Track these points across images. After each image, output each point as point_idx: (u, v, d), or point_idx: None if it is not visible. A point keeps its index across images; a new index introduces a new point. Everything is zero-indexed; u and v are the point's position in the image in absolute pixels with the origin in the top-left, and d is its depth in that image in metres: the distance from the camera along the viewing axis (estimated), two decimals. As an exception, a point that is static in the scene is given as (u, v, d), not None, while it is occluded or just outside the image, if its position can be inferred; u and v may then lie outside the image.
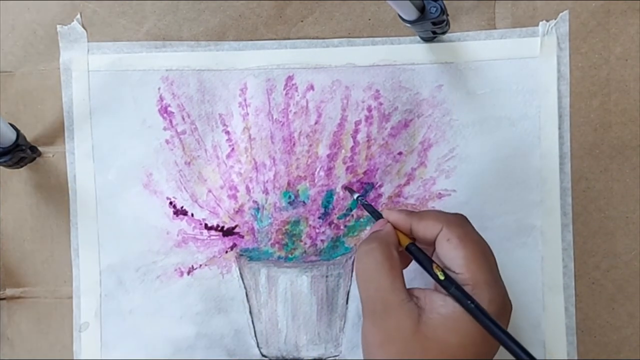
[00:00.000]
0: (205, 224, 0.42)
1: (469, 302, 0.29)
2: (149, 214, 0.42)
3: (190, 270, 0.42)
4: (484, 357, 0.30)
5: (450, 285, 0.30)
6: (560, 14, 0.40)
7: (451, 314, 0.30)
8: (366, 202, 0.38)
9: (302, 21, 0.41)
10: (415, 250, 0.33)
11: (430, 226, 0.32)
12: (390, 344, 0.30)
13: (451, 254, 0.31)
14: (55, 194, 0.42)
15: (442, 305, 0.30)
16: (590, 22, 0.40)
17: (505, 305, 0.31)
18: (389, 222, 0.34)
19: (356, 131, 0.41)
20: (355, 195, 0.39)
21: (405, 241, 0.33)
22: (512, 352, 0.28)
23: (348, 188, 0.41)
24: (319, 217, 0.41)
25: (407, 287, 0.31)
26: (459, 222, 0.32)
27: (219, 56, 0.41)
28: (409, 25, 0.37)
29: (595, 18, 0.40)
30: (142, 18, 0.42)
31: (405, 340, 0.30)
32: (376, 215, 0.36)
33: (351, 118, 0.41)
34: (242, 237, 0.42)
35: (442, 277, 0.31)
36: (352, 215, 0.41)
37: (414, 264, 0.34)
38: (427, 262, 0.32)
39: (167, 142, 0.42)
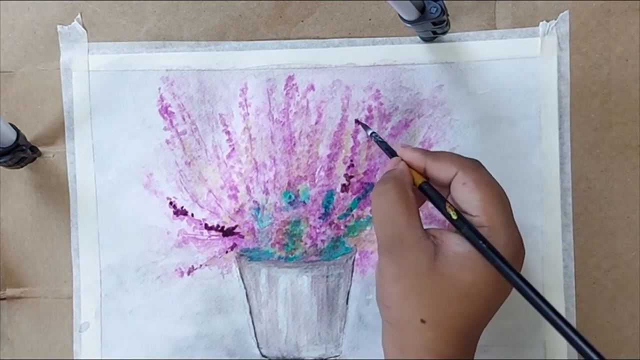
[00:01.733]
0: (206, 224, 0.42)
1: (481, 242, 0.29)
2: (149, 214, 0.42)
3: (190, 271, 0.42)
4: (496, 298, 0.31)
5: (462, 225, 0.30)
6: (561, 14, 0.40)
7: (467, 252, 0.30)
8: (380, 139, 0.38)
9: (302, 21, 0.41)
10: (428, 190, 0.33)
11: (445, 168, 0.32)
12: (405, 278, 0.30)
13: (467, 196, 0.31)
14: (56, 194, 0.42)
15: (459, 244, 0.30)
16: (591, 22, 0.40)
17: (520, 249, 0.31)
18: (403, 160, 0.34)
19: (356, 131, 0.41)
20: (369, 132, 0.39)
21: (419, 180, 0.33)
22: (523, 294, 0.28)
23: (361, 123, 0.41)
24: (320, 217, 0.41)
25: (425, 227, 0.32)
26: (474, 166, 0.32)
27: (219, 56, 0.41)
28: (409, 25, 0.37)
29: (595, 18, 0.40)
30: (142, 18, 0.42)
31: (420, 275, 0.30)
32: (390, 152, 0.36)
33: (351, 118, 0.41)
34: (243, 237, 0.42)
35: (454, 217, 0.31)
36: (353, 215, 0.41)
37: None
38: (440, 202, 0.32)
39: (167, 142, 0.42)
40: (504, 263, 0.29)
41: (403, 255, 0.31)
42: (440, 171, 0.33)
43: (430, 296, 0.30)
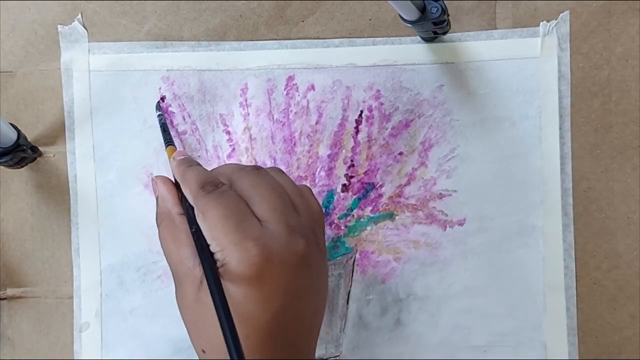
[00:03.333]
0: (206, 224, 0.42)
1: (202, 254, 0.28)
2: (149, 214, 0.42)
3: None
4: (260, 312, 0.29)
5: (191, 224, 0.30)
6: (561, 14, 0.40)
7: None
8: (163, 121, 0.40)
9: (302, 21, 0.41)
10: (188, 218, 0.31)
11: (187, 195, 0.32)
12: (182, 311, 0.31)
13: (202, 227, 0.30)
14: (56, 194, 0.42)
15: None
16: (591, 23, 0.40)
17: (258, 261, 0.28)
18: (164, 183, 0.34)
19: (357, 131, 0.41)
20: (157, 113, 0.40)
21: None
22: (218, 316, 0.26)
23: (157, 104, 0.41)
24: (320, 217, 0.41)
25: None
26: (205, 192, 0.30)
27: (219, 56, 0.42)
28: (409, 25, 0.37)
29: (596, 18, 0.40)
30: (143, 18, 0.42)
31: (189, 308, 0.30)
32: (167, 141, 0.38)
33: (352, 118, 0.41)
34: (243, 237, 0.42)
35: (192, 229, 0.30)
36: (353, 216, 0.41)
37: None
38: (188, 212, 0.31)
39: (167, 142, 0.42)
40: (214, 283, 0.27)
41: (179, 289, 0.31)
42: (187, 195, 0.32)
43: (200, 327, 0.30)
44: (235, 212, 0.29)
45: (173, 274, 0.31)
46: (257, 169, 0.33)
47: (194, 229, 0.30)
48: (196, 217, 0.30)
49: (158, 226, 0.32)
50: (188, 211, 0.31)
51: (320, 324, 0.32)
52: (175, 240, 0.31)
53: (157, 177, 0.34)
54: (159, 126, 0.40)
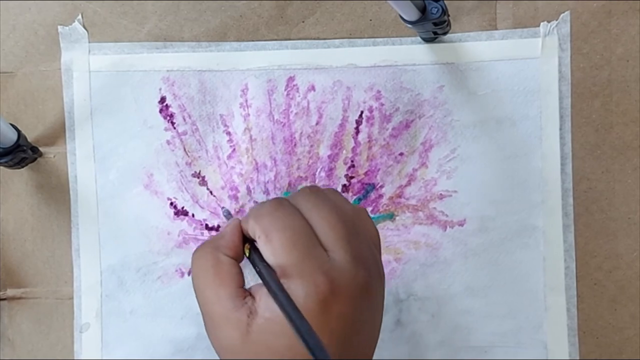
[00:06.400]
0: (206, 225, 0.42)
1: (276, 289, 0.27)
2: (149, 214, 0.42)
3: (191, 271, 0.42)
4: None
5: (255, 264, 0.28)
6: (562, 15, 0.40)
7: (276, 316, 0.27)
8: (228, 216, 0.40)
9: (303, 22, 0.41)
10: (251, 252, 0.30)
11: (250, 225, 0.30)
12: (224, 354, 0.29)
13: (263, 249, 0.29)
14: (56, 194, 0.42)
15: (268, 308, 0.27)
16: (592, 23, 0.40)
17: (326, 296, 0.27)
18: (233, 223, 0.32)
19: (357, 132, 0.41)
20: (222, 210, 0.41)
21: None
22: (306, 346, 0.25)
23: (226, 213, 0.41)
24: (320, 218, 0.41)
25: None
26: (267, 211, 0.29)
27: (220, 57, 0.41)
28: (410, 25, 0.37)
29: (596, 19, 0.40)
30: (143, 18, 0.42)
31: (235, 352, 0.28)
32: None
33: (352, 119, 0.41)
34: (243, 237, 0.42)
35: (247, 254, 0.29)
36: (353, 216, 0.41)
37: None
38: (253, 256, 0.29)
39: (168, 142, 0.42)
40: (294, 314, 0.26)
41: (215, 330, 0.29)
42: (250, 230, 0.30)
43: None
44: (302, 237, 0.28)
45: (203, 312, 0.30)
46: (315, 189, 0.31)
47: (258, 269, 0.29)
48: (257, 239, 0.29)
49: (195, 253, 0.31)
50: (253, 255, 0.30)
51: (374, 348, 0.31)
52: (216, 279, 0.29)
53: (235, 218, 0.32)
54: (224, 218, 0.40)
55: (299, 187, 0.41)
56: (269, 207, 0.30)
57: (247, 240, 0.31)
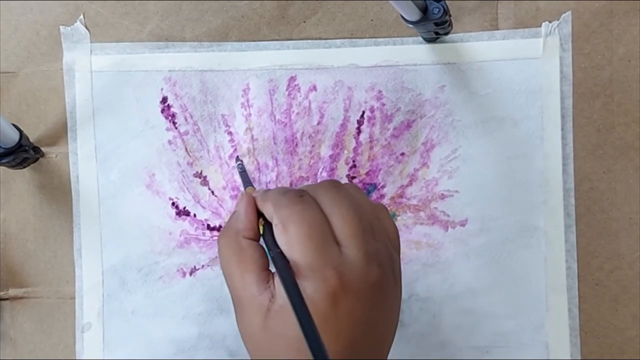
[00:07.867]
0: (208, 225, 0.42)
1: (286, 278, 0.26)
2: (151, 214, 0.42)
3: (192, 271, 0.42)
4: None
5: (270, 248, 0.28)
6: (563, 15, 0.40)
7: (288, 303, 0.26)
8: (242, 169, 0.40)
9: (304, 22, 0.41)
10: (264, 235, 0.30)
11: (268, 209, 0.30)
12: (246, 341, 0.30)
13: (279, 239, 0.29)
14: (58, 194, 0.42)
15: (282, 295, 0.27)
16: (593, 23, 0.40)
17: (335, 291, 0.27)
18: (247, 201, 0.32)
19: (358, 132, 0.41)
20: (237, 163, 0.41)
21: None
22: (309, 344, 0.24)
23: (237, 158, 0.41)
24: (322, 218, 0.41)
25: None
26: (288, 202, 0.29)
27: (221, 57, 0.42)
28: (411, 25, 0.37)
29: (598, 19, 0.40)
30: (145, 19, 0.42)
31: (255, 338, 0.29)
32: (247, 183, 0.38)
33: (353, 119, 0.41)
34: (245, 237, 0.42)
35: (261, 231, 0.30)
36: (355, 216, 0.41)
37: None
38: (267, 238, 0.30)
39: (169, 142, 0.42)
40: (300, 306, 0.25)
41: (241, 316, 0.30)
42: (267, 213, 0.30)
43: (267, 355, 0.28)
44: (318, 233, 0.28)
45: (233, 297, 0.30)
46: (336, 184, 0.31)
47: (272, 254, 0.29)
48: (274, 226, 0.29)
49: (219, 240, 0.31)
50: (267, 235, 0.30)
51: (389, 349, 0.30)
52: (241, 264, 0.29)
53: (245, 192, 0.32)
54: (237, 173, 0.41)
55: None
56: (290, 199, 0.29)
57: (260, 215, 0.32)
